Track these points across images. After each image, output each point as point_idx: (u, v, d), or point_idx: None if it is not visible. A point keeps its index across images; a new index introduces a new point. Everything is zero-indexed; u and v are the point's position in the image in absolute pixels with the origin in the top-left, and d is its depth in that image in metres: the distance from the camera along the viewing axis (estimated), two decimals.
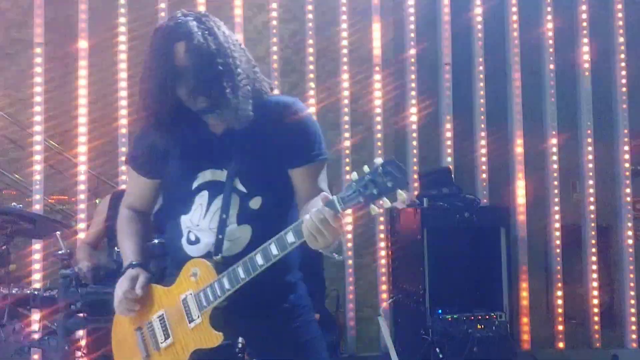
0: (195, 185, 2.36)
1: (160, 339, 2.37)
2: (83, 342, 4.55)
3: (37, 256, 5.32)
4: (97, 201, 5.37)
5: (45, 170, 5.63)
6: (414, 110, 6.13)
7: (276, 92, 6.32)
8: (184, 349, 2.31)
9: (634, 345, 6.06)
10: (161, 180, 2.50)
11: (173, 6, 5.59)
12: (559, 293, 6.06)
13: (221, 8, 5.95)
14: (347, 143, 5.95)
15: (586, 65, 6.31)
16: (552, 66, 6.26)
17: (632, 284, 6.13)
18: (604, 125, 6.35)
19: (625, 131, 6.27)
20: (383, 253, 5.95)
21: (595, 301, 6.11)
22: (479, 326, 5.11)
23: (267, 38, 6.05)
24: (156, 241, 2.60)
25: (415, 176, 6.01)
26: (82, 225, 5.41)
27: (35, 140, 5.51)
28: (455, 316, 5.11)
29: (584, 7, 6.34)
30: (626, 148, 6.26)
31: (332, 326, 5.51)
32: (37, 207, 5.37)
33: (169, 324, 2.35)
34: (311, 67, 6.01)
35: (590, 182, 6.22)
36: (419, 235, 5.21)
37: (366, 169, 2.00)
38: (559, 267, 6.10)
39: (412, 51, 6.15)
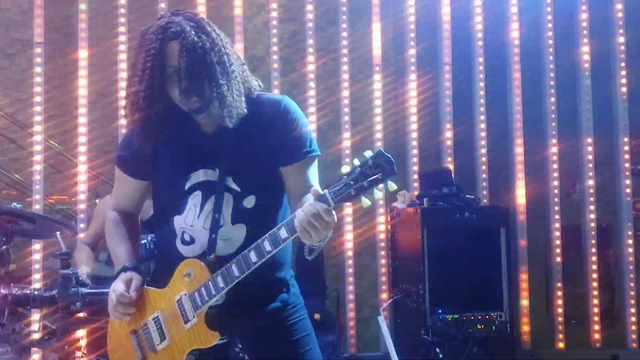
0: (188, 185, 2.36)
1: (156, 340, 2.37)
2: (83, 342, 4.55)
3: (37, 256, 5.32)
4: (97, 201, 5.36)
5: (45, 170, 5.63)
6: (414, 110, 6.13)
7: (276, 91, 6.32)
8: (180, 349, 2.32)
9: (634, 345, 6.05)
10: (150, 181, 2.50)
11: (173, 6, 5.59)
12: (559, 293, 6.06)
13: (221, 8, 5.96)
14: (347, 143, 5.95)
15: (586, 65, 6.31)
16: (552, 66, 6.26)
17: (632, 284, 6.13)
18: (604, 125, 6.34)
19: (625, 131, 6.27)
20: (383, 253, 5.95)
21: (595, 301, 6.11)
22: (479, 326, 5.11)
23: (267, 38, 6.05)
24: (144, 241, 2.59)
25: (415, 176, 6.01)
26: (82, 225, 5.41)
27: (35, 140, 5.51)
28: (455, 316, 5.10)
29: (584, 7, 6.34)
30: (626, 148, 6.26)
31: (332, 326, 5.51)
32: (37, 207, 5.37)
33: (164, 325, 2.36)
34: (311, 67, 6.01)
35: (591, 182, 6.22)
36: (418, 235, 5.20)
37: (356, 162, 2.01)
38: (559, 267, 6.10)
39: (412, 51, 6.15)
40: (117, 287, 2.37)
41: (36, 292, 4.04)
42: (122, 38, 5.66)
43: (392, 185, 2.00)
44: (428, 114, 6.26)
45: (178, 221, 2.38)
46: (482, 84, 6.22)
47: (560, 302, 6.05)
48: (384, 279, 5.93)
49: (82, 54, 5.62)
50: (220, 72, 2.25)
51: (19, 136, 6.00)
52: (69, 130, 5.85)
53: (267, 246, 2.15)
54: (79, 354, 4.35)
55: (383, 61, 6.14)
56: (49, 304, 3.91)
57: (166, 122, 2.30)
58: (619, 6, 6.35)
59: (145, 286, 2.41)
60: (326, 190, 2.05)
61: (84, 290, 3.72)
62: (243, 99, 2.30)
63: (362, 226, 5.99)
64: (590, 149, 6.23)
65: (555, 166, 6.20)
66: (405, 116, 6.18)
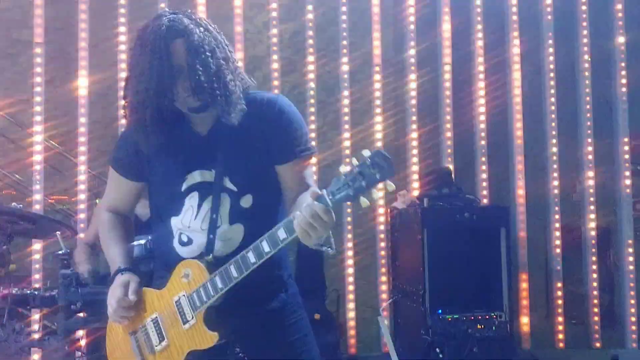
0: (184, 187, 2.35)
1: (155, 342, 2.37)
2: (83, 342, 4.55)
3: (37, 256, 5.32)
4: (97, 201, 5.36)
5: (45, 170, 5.63)
6: (414, 110, 6.12)
7: (276, 91, 6.32)
8: (179, 350, 2.31)
9: (634, 345, 6.05)
10: (144, 182, 2.49)
11: (173, 7, 5.58)
12: (559, 293, 6.06)
13: (221, 8, 5.95)
14: (347, 143, 5.95)
15: (586, 65, 6.31)
16: (552, 66, 6.25)
17: (632, 284, 6.13)
18: (604, 125, 6.34)
19: (625, 131, 6.27)
20: (383, 253, 5.95)
21: (595, 301, 6.11)
22: (479, 326, 5.11)
23: (267, 38, 6.05)
24: (141, 242, 2.58)
25: (416, 176, 6.01)
26: (82, 225, 5.41)
27: (35, 140, 5.51)
28: (455, 316, 5.10)
29: (584, 8, 6.34)
30: (626, 148, 6.26)
31: (332, 326, 5.51)
32: (37, 207, 5.38)
33: (163, 327, 2.35)
34: (311, 67, 6.01)
35: (591, 182, 6.22)
36: (419, 235, 5.20)
37: (355, 161, 2.00)
38: (559, 267, 6.10)
39: (412, 51, 6.15)
40: (116, 292, 2.36)
41: (36, 292, 4.05)
42: (122, 38, 5.66)
43: (391, 185, 1.99)
44: (428, 114, 6.26)
45: (175, 222, 2.37)
46: (482, 84, 6.21)
47: (560, 302, 6.05)
48: (384, 279, 5.93)
49: (82, 53, 5.62)
50: (226, 68, 2.25)
51: (19, 136, 6.00)
52: (69, 131, 5.85)
53: (266, 247, 2.15)
54: (78, 354, 4.36)
55: (383, 61, 6.14)
56: (49, 304, 3.92)
57: (162, 121, 2.28)
58: (619, 6, 6.34)
59: (143, 287, 2.41)
60: (324, 191, 2.04)
61: (84, 290, 3.73)
62: (242, 96, 2.31)
63: (362, 226, 6.00)
64: (590, 149, 6.23)
65: (555, 166, 6.20)
66: (405, 116, 6.18)
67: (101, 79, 5.89)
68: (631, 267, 6.15)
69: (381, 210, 5.90)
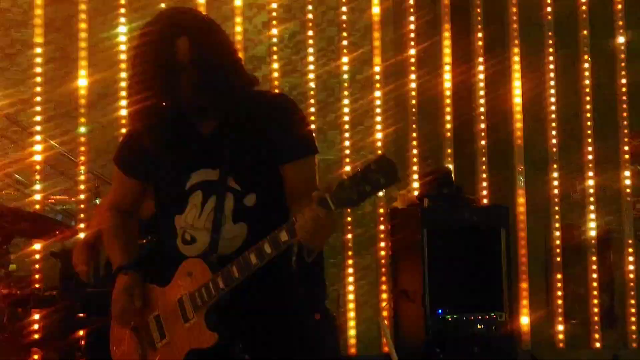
0: (188, 185, 2.35)
1: (156, 338, 2.37)
2: (83, 342, 4.55)
3: (37, 256, 5.31)
4: (97, 201, 5.36)
5: (45, 170, 5.62)
6: (414, 110, 6.12)
7: (275, 91, 6.31)
8: (179, 349, 2.31)
9: (634, 345, 6.05)
10: (149, 181, 2.48)
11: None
12: (559, 293, 6.06)
13: (221, 8, 5.95)
14: (347, 143, 5.95)
15: (586, 65, 6.31)
16: (552, 66, 6.25)
17: (632, 284, 6.13)
18: (604, 125, 6.34)
19: (626, 131, 6.27)
20: (383, 253, 5.94)
21: (595, 301, 6.10)
22: (479, 326, 5.11)
23: (267, 38, 6.04)
24: (145, 240, 2.58)
25: (416, 176, 6.00)
26: (82, 225, 5.41)
27: (35, 140, 5.51)
28: (455, 316, 5.11)
29: (584, 8, 6.33)
30: (626, 148, 6.25)
31: (332, 326, 5.51)
32: (37, 207, 5.37)
33: (164, 324, 2.35)
34: (311, 67, 6.01)
35: (591, 182, 6.22)
36: (419, 235, 5.20)
37: (359, 166, 2.00)
38: (559, 267, 6.10)
39: (412, 51, 6.15)
40: (121, 298, 2.37)
41: (36, 292, 4.05)
42: (122, 38, 5.66)
43: (396, 190, 1.99)
44: (429, 114, 6.26)
45: (179, 221, 2.37)
46: (482, 84, 6.21)
47: (560, 302, 6.05)
48: (384, 279, 5.92)
49: (82, 53, 5.61)
50: (230, 66, 2.25)
51: (19, 136, 6.00)
52: (68, 130, 5.85)
53: (268, 249, 2.14)
54: (79, 354, 4.36)
55: (383, 61, 6.14)
56: (49, 304, 3.92)
57: (169, 120, 2.29)
58: (619, 7, 6.34)
59: (147, 283, 2.41)
60: (327, 195, 2.03)
61: (84, 290, 3.74)
62: (246, 94, 2.31)
63: (362, 226, 5.99)
64: (590, 148, 6.23)
65: (555, 166, 6.20)
66: (406, 116, 6.17)
67: (101, 79, 5.88)
68: (631, 267, 6.15)
69: (381, 210, 5.90)
